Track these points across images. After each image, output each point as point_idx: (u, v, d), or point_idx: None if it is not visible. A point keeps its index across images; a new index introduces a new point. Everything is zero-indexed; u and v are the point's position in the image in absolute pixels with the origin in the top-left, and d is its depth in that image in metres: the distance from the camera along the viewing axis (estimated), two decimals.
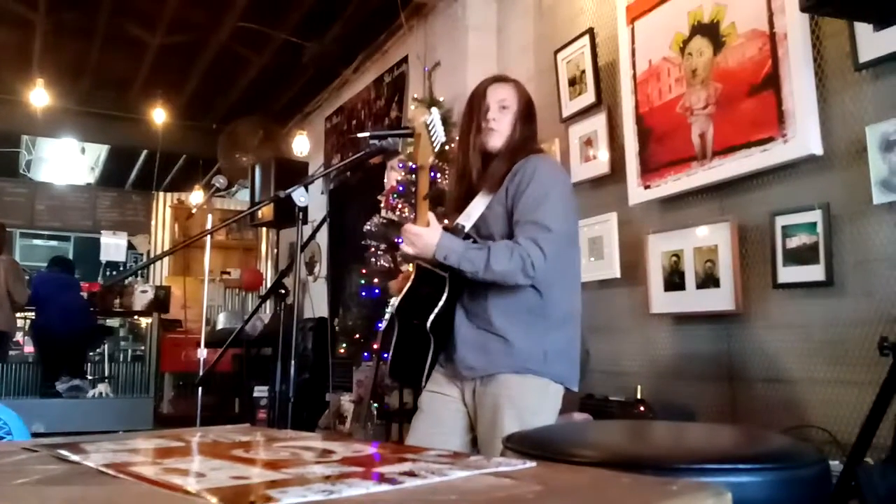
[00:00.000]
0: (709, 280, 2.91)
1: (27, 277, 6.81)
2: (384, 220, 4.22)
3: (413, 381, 2.10)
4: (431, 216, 1.91)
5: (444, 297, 1.95)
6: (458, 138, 2.13)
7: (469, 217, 1.99)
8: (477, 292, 1.97)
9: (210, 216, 5.33)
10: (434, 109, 2.12)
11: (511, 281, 1.88)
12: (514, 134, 2.05)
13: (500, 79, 2.13)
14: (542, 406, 1.94)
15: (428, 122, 1.99)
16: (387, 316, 2.43)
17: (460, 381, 2.01)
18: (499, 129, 2.03)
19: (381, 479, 0.69)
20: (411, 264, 2.15)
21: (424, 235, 1.89)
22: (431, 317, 1.94)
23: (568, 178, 2.11)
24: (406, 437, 2.08)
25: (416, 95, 4.78)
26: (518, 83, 2.13)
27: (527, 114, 2.09)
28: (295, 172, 5.53)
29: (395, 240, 4.15)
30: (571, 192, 2.08)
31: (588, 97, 3.66)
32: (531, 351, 1.92)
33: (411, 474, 0.71)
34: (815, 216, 2.51)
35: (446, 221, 2.04)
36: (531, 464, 0.78)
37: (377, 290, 4.24)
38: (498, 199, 1.99)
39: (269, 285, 8.73)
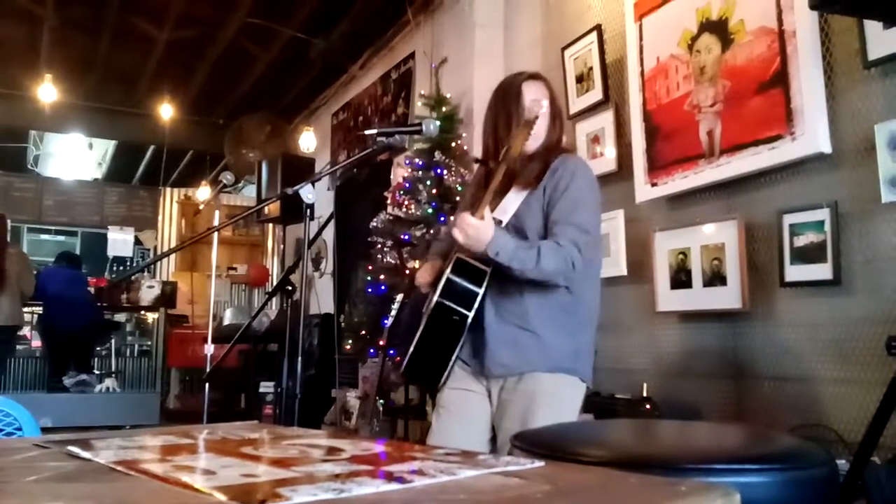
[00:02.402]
0: (715, 278, 2.90)
1: (34, 272, 6.84)
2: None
3: (430, 381, 2.04)
4: (487, 211, 1.84)
5: (481, 291, 1.91)
6: (487, 131, 2.06)
7: (506, 212, 1.96)
8: (510, 289, 1.94)
9: (217, 212, 5.34)
10: (545, 103, 2.01)
11: (553, 281, 1.89)
12: (551, 135, 2.04)
13: (532, 76, 2.09)
14: (573, 404, 1.96)
15: (545, 107, 1.96)
16: (393, 312, 2.41)
17: (486, 380, 1.99)
18: (534, 130, 2.00)
19: (390, 477, 0.69)
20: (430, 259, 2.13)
21: (480, 228, 1.83)
22: (472, 311, 1.89)
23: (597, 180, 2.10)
24: (428, 437, 2.04)
25: (422, 92, 4.77)
26: (547, 81, 2.10)
27: (556, 112, 2.08)
28: (302, 169, 5.51)
29: (402, 236, 4.16)
30: (600, 195, 2.08)
31: (595, 94, 3.65)
32: (563, 349, 1.93)
33: (420, 473, 0.71)
34: (823, 214, 2.50)
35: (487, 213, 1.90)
36: (539, 463, 0.78)
37: (383, 287, 4.24)
38: (535, 196, 1.97)
39: (275, 281, 8.75)
